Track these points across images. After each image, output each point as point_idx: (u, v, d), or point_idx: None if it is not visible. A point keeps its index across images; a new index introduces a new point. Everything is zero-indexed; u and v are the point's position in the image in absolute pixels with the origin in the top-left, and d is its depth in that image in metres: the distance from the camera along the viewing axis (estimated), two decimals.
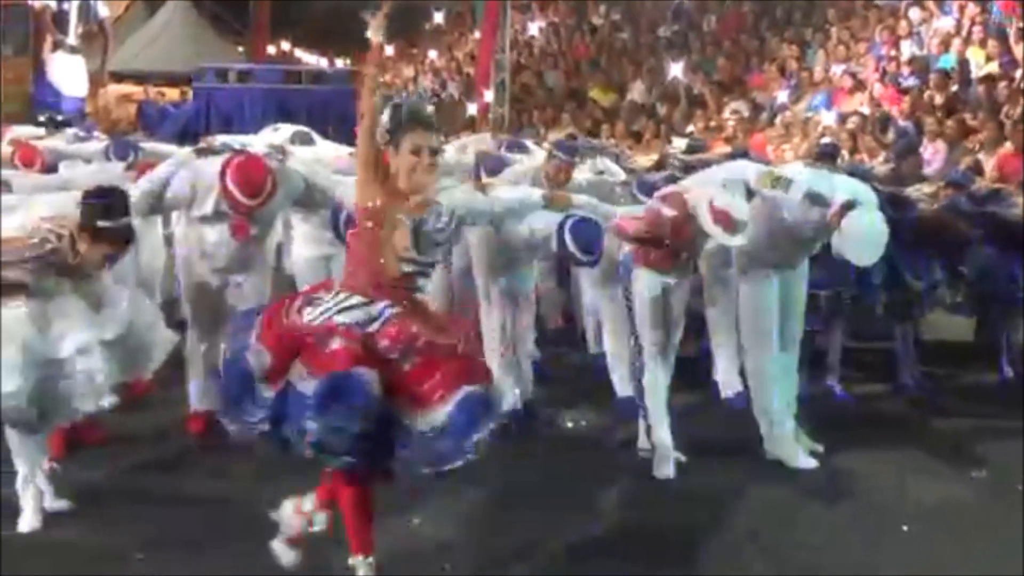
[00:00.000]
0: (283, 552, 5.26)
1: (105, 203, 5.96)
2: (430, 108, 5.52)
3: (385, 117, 5.18)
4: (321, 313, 4.98)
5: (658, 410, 7.29)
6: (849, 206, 6.81)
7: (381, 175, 5.16)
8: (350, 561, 5.23)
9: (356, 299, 5.01)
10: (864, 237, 6.85)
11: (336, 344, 4.87)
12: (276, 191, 7.43)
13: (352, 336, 4.90)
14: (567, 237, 7.21)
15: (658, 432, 7.28)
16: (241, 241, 7.56)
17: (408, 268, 5.13)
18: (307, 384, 4.85)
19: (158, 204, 7.68)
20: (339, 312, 4.97)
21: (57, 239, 5.85)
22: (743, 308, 7.52)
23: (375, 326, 4.96)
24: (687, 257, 7.25)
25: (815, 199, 6.94)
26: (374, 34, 5.41)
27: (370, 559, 5.23)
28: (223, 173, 7.35)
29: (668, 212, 7.06)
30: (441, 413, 4.81)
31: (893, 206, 8.40)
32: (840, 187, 7.06)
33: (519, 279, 8.23)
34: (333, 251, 9.22)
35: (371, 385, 4.78)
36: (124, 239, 6.05)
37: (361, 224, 5.14)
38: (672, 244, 7.04)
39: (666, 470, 7.23)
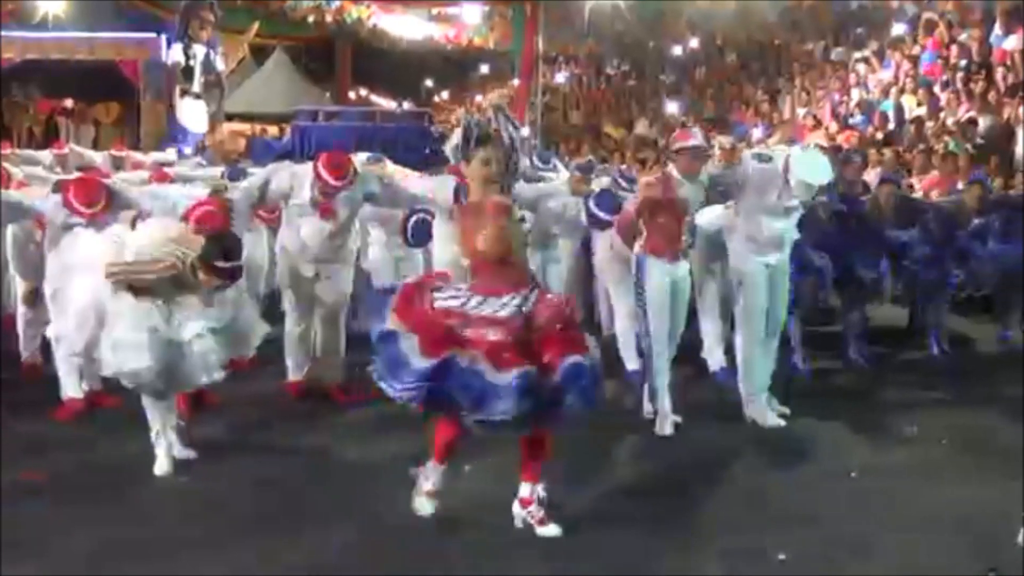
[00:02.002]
0: (422, 505, 5.28)
1: (223, 247, 6.08)
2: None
3: (457, 138, 5.10)
4: (462, 304, 4.99)
5: (660, 381, 7.25)
6: (789, 155, 7.21)
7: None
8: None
9: (490, 298, 5.01)
10: (809, 161, 7.21)
11: (495, 336, 4.93)
12: (356, 180, 7.54)
13: (510, 327, 4.96)
14: (591, 204, 7.57)
15: (660, 399, 7.25)
16: (328, 221, 7.59)
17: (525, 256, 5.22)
18: (485, 369, 4.85)
19: (261, 196, 7.80)
20: (488, 308, 5.00)
21: (181, 264, 5.97)
22: (740, 302, 7.48)
23: (527, 307, 5.04)
24: (684, 242, 7.23)
25: (761, 158, 7.39)
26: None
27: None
28: (315, 164, 7.51)
29: (656, 176, 7.41)
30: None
31: (844, 201, 9.05)
32: (778, 153, 7.49)
33: (551, 256, 8.88)
34: (403, 254, 9.27)
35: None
36: (233, 276, 6.16)
37: (486, 233, 5.09)
38: (663, 200, 7.12)
39: (666, 429, 7.20)
